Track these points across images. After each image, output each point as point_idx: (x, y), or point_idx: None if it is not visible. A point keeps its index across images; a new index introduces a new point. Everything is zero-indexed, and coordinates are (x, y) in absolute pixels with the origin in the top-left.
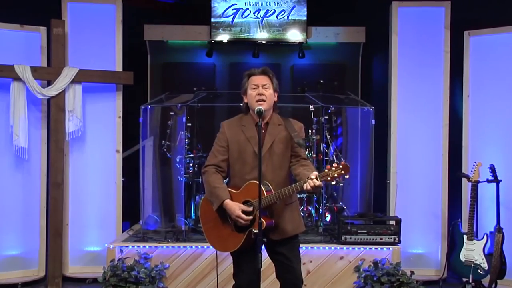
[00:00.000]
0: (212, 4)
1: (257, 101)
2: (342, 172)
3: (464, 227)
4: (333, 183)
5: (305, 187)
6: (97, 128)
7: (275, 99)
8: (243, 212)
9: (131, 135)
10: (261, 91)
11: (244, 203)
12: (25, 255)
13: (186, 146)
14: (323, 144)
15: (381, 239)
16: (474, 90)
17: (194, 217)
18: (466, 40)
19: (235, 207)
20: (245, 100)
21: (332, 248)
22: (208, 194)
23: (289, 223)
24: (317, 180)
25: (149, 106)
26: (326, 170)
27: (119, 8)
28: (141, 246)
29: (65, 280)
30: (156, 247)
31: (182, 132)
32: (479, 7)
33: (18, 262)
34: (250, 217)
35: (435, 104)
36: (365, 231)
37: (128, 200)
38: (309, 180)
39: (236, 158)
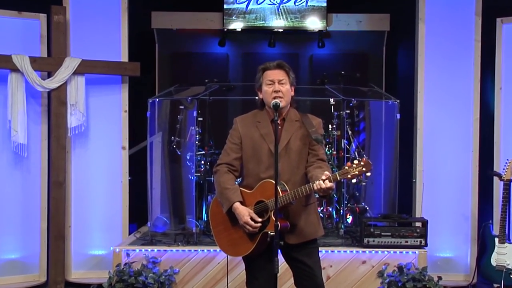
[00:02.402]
0: None
1: (274, 98)
2: (364, 169)
3: (496, 229)
4: (354, 181)
5: (314, 187)
6: (102, 123)
7: (292, 93)
8: (252, 220)
9: (138, 130)
10: (277, 88)
11: (258, 203)
12: (25, 259)
13: (197, 142)
14: (344, 140)
15: (407, 242)
16: (507, 82)
17: (205, 219)
18: (498, 28)
19: (245, 213)
20: (260, 96)
21: (354, 251)
22: (219, 195)
23: (306, 226)
24: (329, 182)
25: (157, 100)
26: (346, 168)
27: None
28: (149, 250)
29: (68, 285)
30: (165, 250)
31: (193, 127)
32: None
33: (17, 266)
34: (259, 225)
35: (465, 97)
36: (389, 234)
37: (135, 200)
38: (318, 181)
39: (250, 156)
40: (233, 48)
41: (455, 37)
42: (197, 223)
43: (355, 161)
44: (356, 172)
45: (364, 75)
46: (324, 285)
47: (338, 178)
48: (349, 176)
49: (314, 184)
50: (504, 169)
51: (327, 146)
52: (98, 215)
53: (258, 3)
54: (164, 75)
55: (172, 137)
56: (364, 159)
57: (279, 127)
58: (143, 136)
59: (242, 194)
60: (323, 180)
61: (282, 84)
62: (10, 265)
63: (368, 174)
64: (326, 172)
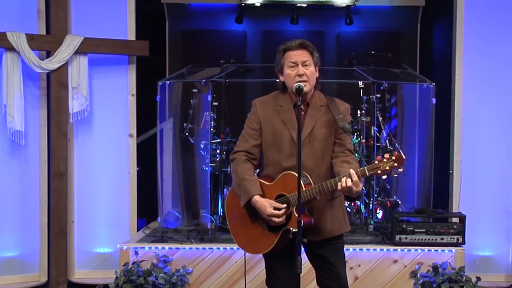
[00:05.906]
0: None
1: (297, 82)
2: (395, 164)
3: None
4: (384, 177)
5: (338, 187)
6: (107, 108)
7: (317, 74)
8: (276, 209)
9: (146, 116)
10: (301, 71)
11: (278, 197)
12: (24, 257)
13: (211, 129)
14: (374, 127)
15: (442, 239)
16: None
17: (221, 213)
18: None
19: (266, 205)
20: (281, 79)
21: (385, 250)
22: (236, 186)
23: (331, 221)
24: (350, 181)
25: (168, 82)
26: (377, 162)
27: None
28: (160, 248)
29: (71, 286)
30: (177, 248)
31: (207, 113)
32: None
33: (16, 265)
34: (284, 213)
35: (508, 80)
36: (423, 230)
37: (144, 193)
38: (343, 179)
39: (270, 143)
40: (252, 25)
41: (498, 13)
42: (212, 219)
43: (386, 155)
44: (387, 168)
45: (396, 55)
46: (347, 283)
47: (367, 173)
48: (379, 171)
49: (338, 184)
50: None
51: (356, 133)
52: (104, 209)
53: None
54: (175, 55)
55: (185, 124)
56: (396, 153)
57: (302, 113)
58: (153, 122)
59: (262, 186)
60: (346, 178)
61: (306, 66)
62: (8, 264)
63: (400, 170)
64: (352, 171)
